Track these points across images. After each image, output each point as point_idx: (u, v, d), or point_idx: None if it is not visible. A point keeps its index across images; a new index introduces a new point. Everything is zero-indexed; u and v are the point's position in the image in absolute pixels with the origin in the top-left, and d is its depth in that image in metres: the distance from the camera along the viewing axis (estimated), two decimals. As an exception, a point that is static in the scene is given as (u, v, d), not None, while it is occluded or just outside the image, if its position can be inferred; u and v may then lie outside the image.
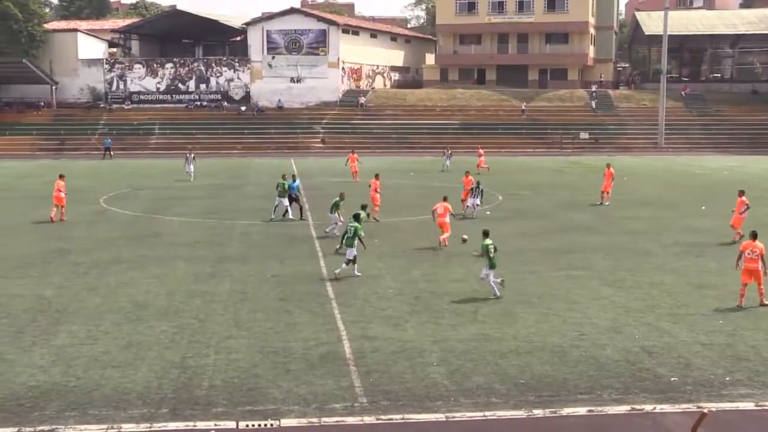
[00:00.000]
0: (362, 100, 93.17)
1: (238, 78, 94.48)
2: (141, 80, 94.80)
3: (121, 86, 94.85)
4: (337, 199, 31.96)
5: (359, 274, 24.49)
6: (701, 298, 22.02)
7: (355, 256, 24.46)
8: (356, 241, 24.43)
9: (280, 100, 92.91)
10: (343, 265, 24.44)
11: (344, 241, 24.97)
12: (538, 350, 17.30)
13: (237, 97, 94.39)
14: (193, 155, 57.13)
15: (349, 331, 18.64)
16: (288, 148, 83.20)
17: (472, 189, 38.06)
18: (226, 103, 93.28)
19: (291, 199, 36.99)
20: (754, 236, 21.83)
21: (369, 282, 23.88)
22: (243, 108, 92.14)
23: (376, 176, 38.53)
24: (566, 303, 21.35)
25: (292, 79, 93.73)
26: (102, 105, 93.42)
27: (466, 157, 69.03)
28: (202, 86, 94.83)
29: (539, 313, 20.35)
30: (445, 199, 30.65)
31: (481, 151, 64.11)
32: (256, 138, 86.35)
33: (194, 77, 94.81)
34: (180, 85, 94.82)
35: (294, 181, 37.81)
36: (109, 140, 79.39)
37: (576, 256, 27.85)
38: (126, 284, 23.64)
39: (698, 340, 18.02)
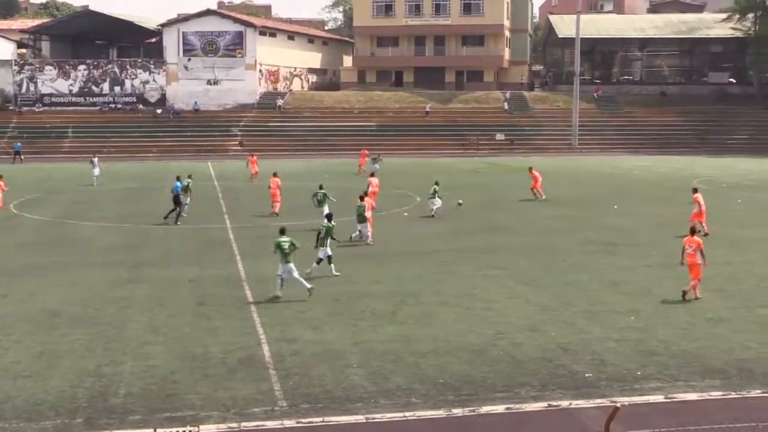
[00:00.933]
0: (280, 102, 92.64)
1: (154, 80, 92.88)
2: (53, 82, 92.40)
3: (32, 88, 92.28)
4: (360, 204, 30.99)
5: (338, 273, 24.62)
6: (614, 295, 22.53)
7: (329, 256, 24.65)
8: (328, 241, 24.65)
9: (196, 102, 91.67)
10: (314, 264, 24.61)
11: (317, 241, 25.10)
12: (456, 350, 17.45)
13: (152, 100, 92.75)
14: (97, 158, 56.53)
15: (269, 335, 18.52)
16: (205, 151, 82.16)
17: (434, 191, 38.37)
18: (141, 106, 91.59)
19: (175, 201, 37.00)
20: (692, 232, 22.83)
21: (288, 285, 23.76)
22: (159, 111, 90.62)
23: (275, 174, 39.90)
24: (484, 302, 21.60)
25: (208, 82, 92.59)
26: (11, 107, 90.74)
27: (389, 159, 69.33)
28: (117, 88, 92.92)
29: (457, 313, 20.53)
30: (363, 197, 31.96)
31: (366, 151, 64.86)
32: (173, 141, 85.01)
33: (108, 79, 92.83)
34: (93, 87, 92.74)
35: (178, 181, 38.01)
36: (19, 144, 77.08)
37: (493, 256, 28.20)
38: (39, 292, 23.03)
39: (611, 337, 18.43)
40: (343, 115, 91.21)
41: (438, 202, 38.33)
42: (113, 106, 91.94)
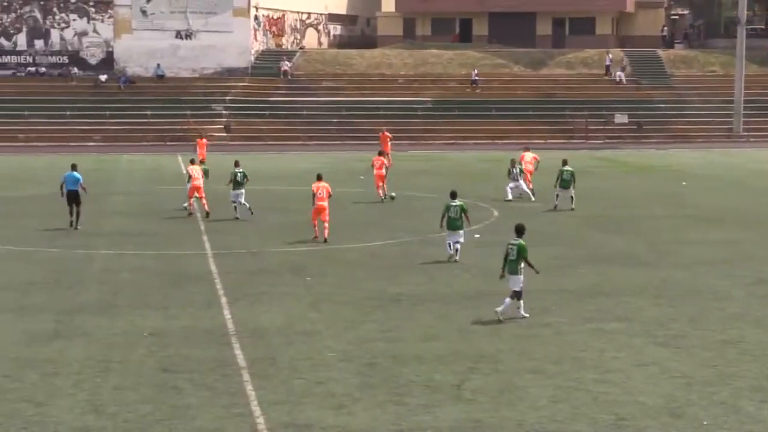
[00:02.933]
0: (286, 65, 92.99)
1: (95, 32, 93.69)
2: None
3: None
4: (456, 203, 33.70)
5: (527, 314, 25.64)
6: (801, 361, 22.31)
7: (521, 289, 25.75)
8: (522, 265, 25.70)
9: (159, 65, 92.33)
10: (506, 300, 25.63)
11: (506, 265, 26.14)
12: (555, 443, 17.42)
13: (93, 61, 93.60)
14: None
15: (269, 417, 18.57)
16: (173, 138, 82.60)
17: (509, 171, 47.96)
18: (76, 70, 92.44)
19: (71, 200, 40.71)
20: None
21: (298, 342, 23.84)
22: (103, 77, 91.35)
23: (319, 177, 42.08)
24: (597, 371, 21.49)
25: (178, 34, 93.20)
26: None
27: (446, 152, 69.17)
28: (39, 43, 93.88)
29: (556, 386, 20.45)
30: (319, 178, 37.76)
31: (387, 134, 67.05)
32: (124, 123, 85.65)
33: (26, 29, 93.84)
34: (3, 41, 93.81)
35: (74, 171, 41.45)
36: None
37: (611, 301, 28.07)
38: None
39: (799, 427, 18.25)
40: (382, 86, 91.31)
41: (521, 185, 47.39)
42: (33, 69, 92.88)
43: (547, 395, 19.92)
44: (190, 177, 43.92)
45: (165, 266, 33.46)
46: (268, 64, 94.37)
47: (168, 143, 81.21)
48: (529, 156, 51.13)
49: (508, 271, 26.02)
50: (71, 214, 40.61)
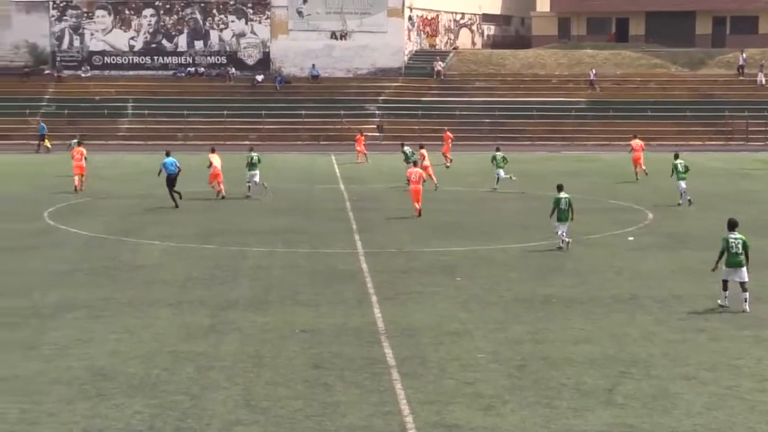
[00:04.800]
0: (439, 66, 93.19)
1: (253, 32, 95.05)
2: (106, 34, 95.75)
3: (76, 43, 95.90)
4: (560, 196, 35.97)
5: (748, 309, 26.55)
6: None
7: (743, 282, 27.00)
8: (744, 259, 26.97)
9: (314, 66, 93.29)
10: (744, 294, 26.86)
11: (728, 260, 27.20)
12: (709, 451, 17.17)
13: (250, 62, 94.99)
14: (77, 141, 60.47)
15: (418, 417, 18.63)
16: (327, 138, 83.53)
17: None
18: (234, 70, 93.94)
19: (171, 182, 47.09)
20: None
21: (448, 342, 23.87)
22: (259, 77, 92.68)
23: (421, 146, 54.07)
24: (755, 380, 21.09)
25: (333, 35, 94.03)
26: (47, 71, 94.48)
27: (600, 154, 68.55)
28: (199, 44, 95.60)
29: (711, 393, 20.13)
30: (414, 164, 45.20)
31: (450, 134, 70.84)
32: (279, 123, 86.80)
33: (186, 30, 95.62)
34: (165, 42, 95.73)
35: (169, 157, 48.10)
36: (44, 126, 79.22)
37: (770, 308, 27.57)
38: (81, 341, 23.88)
39: None
40: (536, 87, 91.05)
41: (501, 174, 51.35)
42: (193, 70, 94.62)
43: (701, 402, 19.62)
44: (210, 164, 49.68)
45: (316, 264, 33.79)
46: (421, 64, 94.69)
47: (322, 143, 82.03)
48: (637, 143, 57.31)
49: (731, 264, 26.81)
50: (172, 197, 46.73)
